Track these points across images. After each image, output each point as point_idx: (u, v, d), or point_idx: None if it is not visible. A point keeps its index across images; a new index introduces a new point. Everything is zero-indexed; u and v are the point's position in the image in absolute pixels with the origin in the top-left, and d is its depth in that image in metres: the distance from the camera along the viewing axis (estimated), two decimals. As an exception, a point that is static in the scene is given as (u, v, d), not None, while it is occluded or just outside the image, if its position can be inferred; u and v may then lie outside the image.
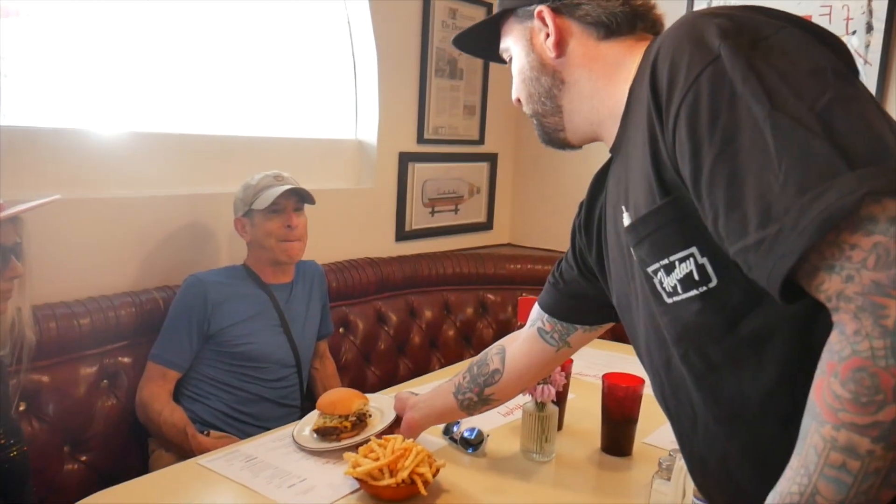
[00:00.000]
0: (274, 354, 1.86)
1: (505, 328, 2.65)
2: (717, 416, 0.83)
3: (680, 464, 1.25)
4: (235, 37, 2.21)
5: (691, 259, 0.77)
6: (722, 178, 0.67)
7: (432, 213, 2.83)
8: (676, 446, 1.43)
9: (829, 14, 2.41)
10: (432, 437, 1.53)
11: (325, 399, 1.52)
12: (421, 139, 2.71)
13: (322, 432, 1.46)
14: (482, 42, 1.10)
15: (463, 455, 1.48)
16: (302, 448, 1.44)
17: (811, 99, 0.65)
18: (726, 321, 0.77)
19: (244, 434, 1.65)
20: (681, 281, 0.78)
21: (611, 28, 0.93)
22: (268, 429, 1.59)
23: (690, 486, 1.21)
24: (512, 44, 1.02)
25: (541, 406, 1.47)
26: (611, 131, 0.94)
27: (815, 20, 2.50)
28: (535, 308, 1.32)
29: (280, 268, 1.92)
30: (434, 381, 1.66)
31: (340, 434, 1.45)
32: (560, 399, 1.58)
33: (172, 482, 1.33)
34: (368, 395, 1.56)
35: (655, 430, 1.64)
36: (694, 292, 0.78)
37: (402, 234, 2.71)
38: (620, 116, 0.91)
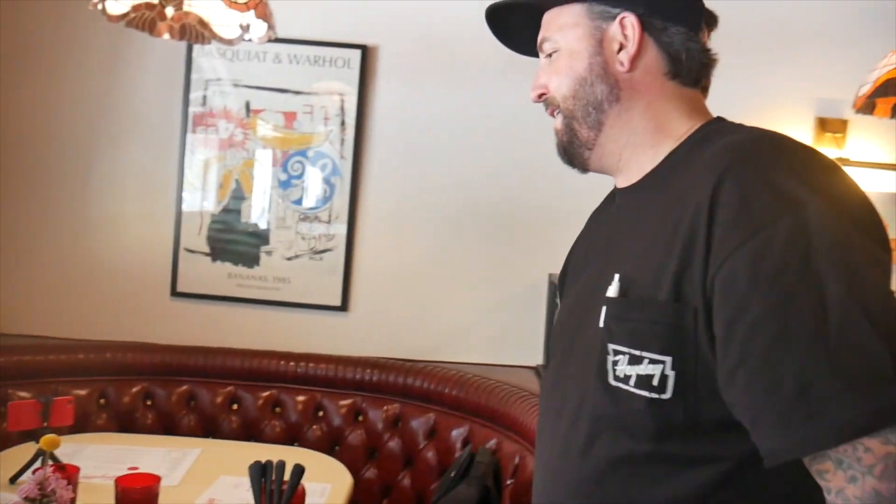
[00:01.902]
0: None
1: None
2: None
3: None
4: None
5: (661, 365, 0.75)
6: (767, 330, 0.67)
7: None
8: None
9: (312, 112, 2.71)
10: None
11: None
12: None
13: None
14: (514, 23, 0.99)
15: None
16: None
17: (878, 294, 0.67)
18: (655, 432, 0.76)
19: None
20: (638, 377, 0.76)
21: (681, 69, 0.89)
22: None
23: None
24: (571, 38, 0.91)
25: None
26: (628, 174, 0.92)
27: (299, 118, 2.79)
28: None
29: None
30: None
31: None
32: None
33: None
34: None
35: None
36: (644, 393, 0.76)
37: None
38: (646, 170, 0.89)
